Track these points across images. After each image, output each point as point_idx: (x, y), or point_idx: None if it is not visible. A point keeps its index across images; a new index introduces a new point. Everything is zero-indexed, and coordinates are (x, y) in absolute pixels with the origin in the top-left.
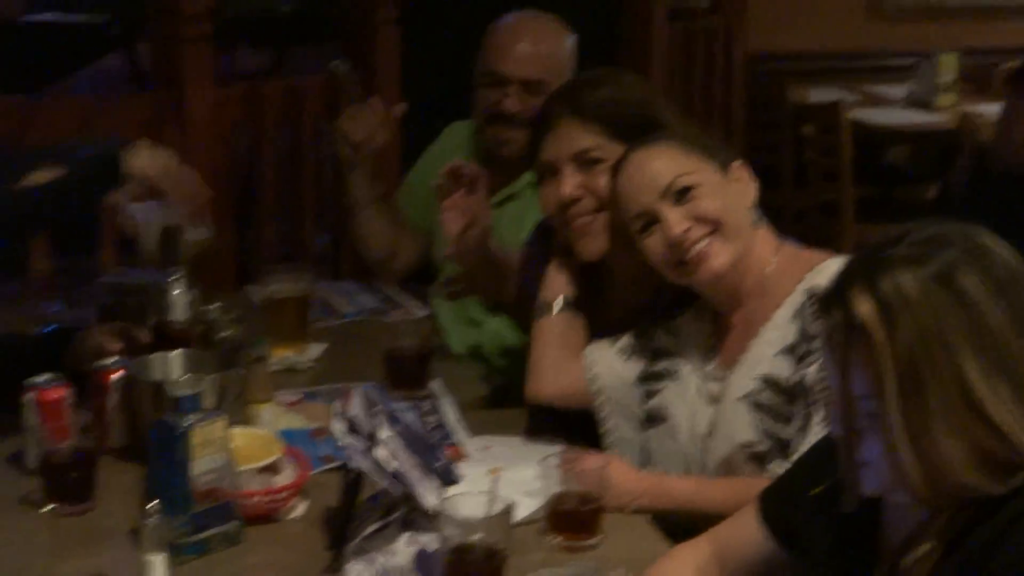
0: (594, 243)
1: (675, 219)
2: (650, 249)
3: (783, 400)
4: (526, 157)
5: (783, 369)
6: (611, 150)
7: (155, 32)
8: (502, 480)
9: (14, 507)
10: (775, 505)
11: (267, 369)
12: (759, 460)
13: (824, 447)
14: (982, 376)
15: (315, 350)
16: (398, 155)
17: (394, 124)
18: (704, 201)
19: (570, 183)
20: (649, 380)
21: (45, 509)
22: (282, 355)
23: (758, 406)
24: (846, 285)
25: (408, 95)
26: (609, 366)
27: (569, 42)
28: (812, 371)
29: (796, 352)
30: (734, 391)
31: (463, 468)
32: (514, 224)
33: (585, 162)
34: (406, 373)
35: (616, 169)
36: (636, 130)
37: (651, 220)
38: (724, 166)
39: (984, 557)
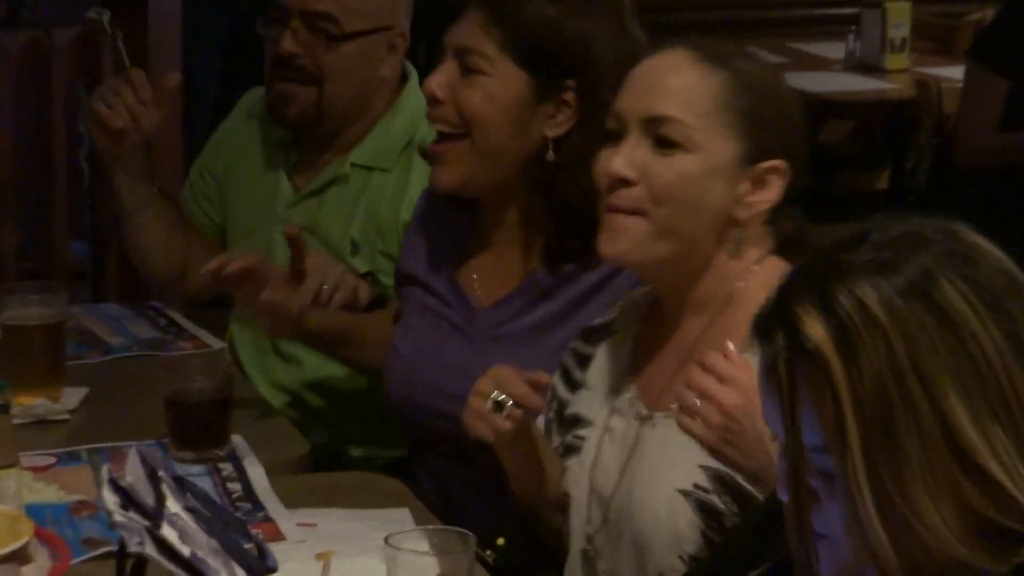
0: (445, 175)
1: (625, 158)
2: (596, 162)
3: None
4: (314, 121)
5: None
6: (499, 67)
7: None
8: (334, 568)
9: None
10: None
11: (9, 422)
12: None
13: (766, 515)
14: (972, 417)
15: (73, 396)
16: (180, 137)
17: (168, 100)
18: (673, 169)
19: (437, 77)
20: (566, 455)
21: None
22: (28, 403)
23: (704, 508)
24: (792, 302)
25: (192, 56)
26: None
27: None
28: None
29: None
30: (669, 449)
31: (280, 552)
32: (338, 217)
33: (464, 66)
34: (198, 426)
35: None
36: (551, 66)
37: (619, 129)
38: (751, 158)
39: None
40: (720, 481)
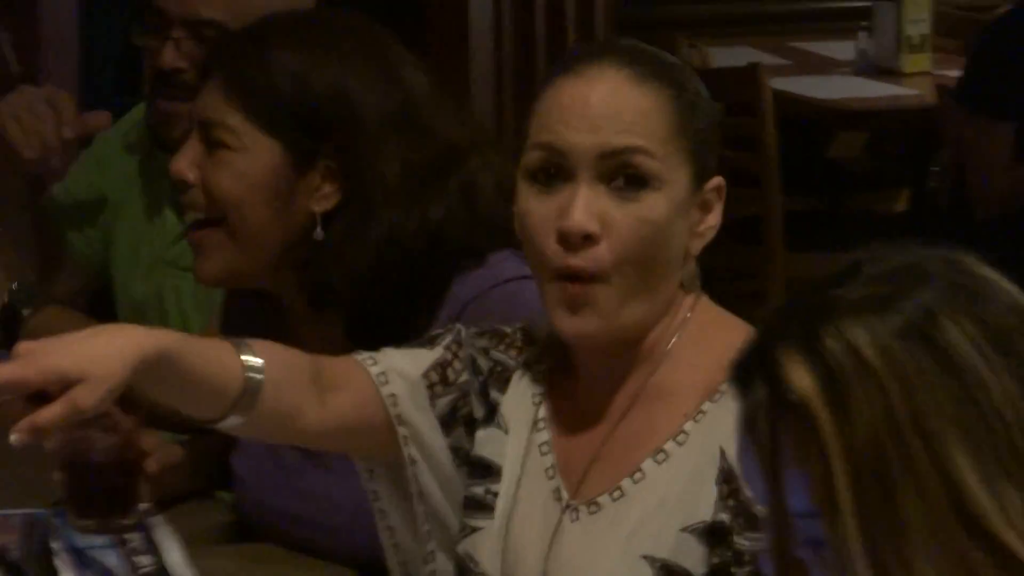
0: (206, 266)
1: (586, 209)
2: (528, 212)
3: None
4: None
5: (694, 556)
6: (247, 139)
7: None
8: None
9: None
10: None
11: None
12: None
13: None
14: (980, 477)
15: None
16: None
17: (86, 133)
18: (640, 216)
19: (182, 158)
20: (471, 509)
21: None
22: None
23: None
24: (774, 346)
25: (90, 61)
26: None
27: None
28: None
29: (727, 534)
30: (599, 542)
31: None
32: None
33: (209, 141)
34: (101, 490)
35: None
36: (303, 129)
37: (557, 168)
38: (698, 181)
39: None
40: (670, 573)
